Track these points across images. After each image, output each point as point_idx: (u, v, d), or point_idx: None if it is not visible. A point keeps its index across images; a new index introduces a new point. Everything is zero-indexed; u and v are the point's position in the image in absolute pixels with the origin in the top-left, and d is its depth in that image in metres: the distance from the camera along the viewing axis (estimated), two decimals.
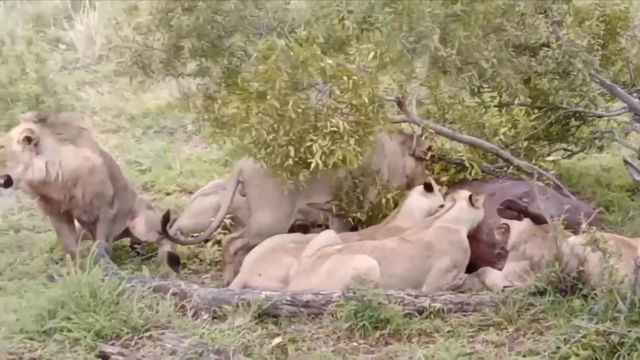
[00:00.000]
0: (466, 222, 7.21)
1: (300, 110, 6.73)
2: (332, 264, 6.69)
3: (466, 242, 7.16)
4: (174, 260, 7.59)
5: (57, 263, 7.60)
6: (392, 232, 7.23)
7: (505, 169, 7.94)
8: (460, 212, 7.21)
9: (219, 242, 7.90)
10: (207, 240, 8.00)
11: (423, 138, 7.91)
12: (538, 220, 7.04)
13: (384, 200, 7.57)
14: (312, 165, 6.73)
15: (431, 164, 8.03)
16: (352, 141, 6.81)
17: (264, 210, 7.47)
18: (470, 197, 7.22)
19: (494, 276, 7.05)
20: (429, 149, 7.80)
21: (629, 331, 5.48)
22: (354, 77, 6.84)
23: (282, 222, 7.49)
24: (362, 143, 6.92)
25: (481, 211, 7.26)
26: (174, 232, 8.12)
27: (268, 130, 6.75)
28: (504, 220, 7.14)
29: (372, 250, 6.84)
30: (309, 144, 6.77)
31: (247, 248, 7.34)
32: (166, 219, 7.46)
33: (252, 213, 7.56)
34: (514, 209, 7.10)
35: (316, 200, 7.56)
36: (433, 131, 7.77)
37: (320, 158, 6.72)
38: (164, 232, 7.54)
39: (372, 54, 6.99)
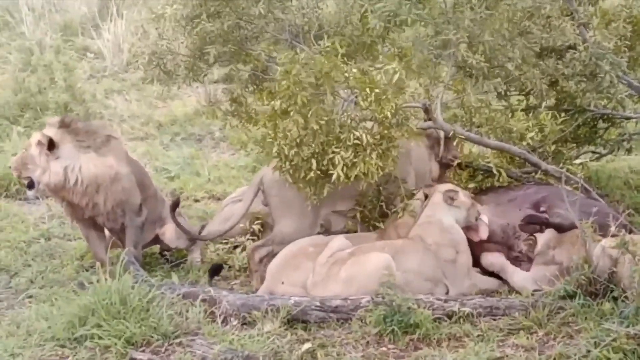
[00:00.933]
0: (445, 216, 7.17)
1: (323, 122, 6.74)
2: (349, 268, 6.69)
3: (455, 227, 7.12)
4: (216, 271, 7.58)
5: (87, 270, 7.63)
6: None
7: (533, 173, 7.90)
8: (434, 207, 7.19)
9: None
10: (235, 247, 8.03)
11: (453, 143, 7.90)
12: (560, 228, 7.03)
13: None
14: (334, 177, 6.73)
15: (457, 171, 8.02)
16: (374, 154, 6.82)
17: (287, 219, 7.44)
18: (446, 192, 7.18)
19: (523, 278, 7.03)
20: (455, 156, 7.77)
21: None
22: (377, 90, 6.84)
23: (306, 230, 7.43)
24: (384, 157, 6.92)
25: (461, 207, 7.19)
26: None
27: (291, 144, 6.76)
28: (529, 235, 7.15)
29: (382, 247, 6.84)
30: (331, 155, 6.77)
31: (272, 256, 7.32)
32: (175, 204, 7.44)
33: (275, 222, 7.55)
34: (536, 223, 7.09)
35: (340, 208, 7.53)
36: (462, 137, 7.74)
37: (342, 170, 6.72)
38: (172, 219, 7.51)
39: (396, 76, 6.95)
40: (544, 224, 7.07)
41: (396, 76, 6.92)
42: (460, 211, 7.15)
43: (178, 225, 7.55)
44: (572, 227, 6.88)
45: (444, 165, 7.97)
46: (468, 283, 6.98)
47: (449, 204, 7.10)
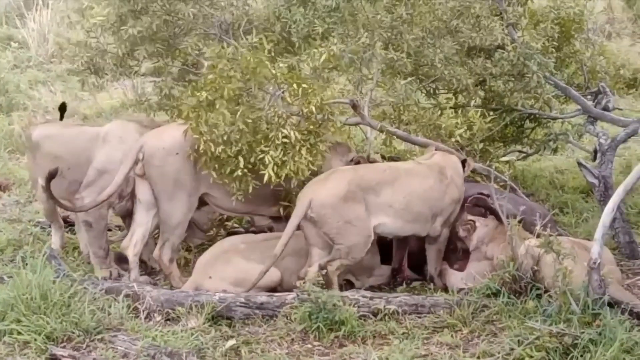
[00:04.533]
0: None
1: (250, 121, 6.68)
2: None
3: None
4: (121, 259, 7.45)
5: (6, 265, 7.46)
6: None
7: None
8: None
9: None
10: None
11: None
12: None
13: None
14: (265, 178, 6.67)
15: None
16: (303, 150, 6.78)
17: (172, 198, 7.06)
18: None
19: (453, 278, 7.06)
20: (358, 162, 7.60)
21: (582, 333, 5.54)
22: (304, 85, 6.84)
23: (192, 208, 7.17)
24: (313, 151, 6.89)
25: None
26: None
27: (216, 142, 6.68)
28: (470, 217, 7.15)
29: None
30: (260, 155, 6.72)
31: (177, 249, 7.21)
32: (52, 175, 7.01)
33: (158, 201, 7.11)
34: (482, 206, 7.12)
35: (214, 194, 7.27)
36: (390, 133, 7.73)
37: (273, 169, 6.67)
38: (47, 192, 7.06)
39: (323, 57, 7.00)
40: (490, 210, 7.09)
41: (323, 57, 6.92)
42: None
43: (54, 199, 7.15)
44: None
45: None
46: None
47: None
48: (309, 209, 6.64)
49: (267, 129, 6.76)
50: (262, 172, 6.68)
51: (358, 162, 7.38)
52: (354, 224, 6.66)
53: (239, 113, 6.63)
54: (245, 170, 6.73)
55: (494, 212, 7.09)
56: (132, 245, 7.18)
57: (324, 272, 6.56)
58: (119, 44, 8.19)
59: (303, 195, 6.75)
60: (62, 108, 8.42)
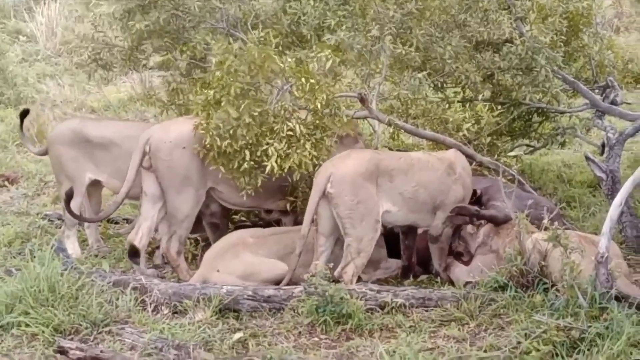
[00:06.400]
0: None
1: (255, 114, 6.68)
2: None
3: None
4: (133, 253, 7.46)
5: (15, 257, 7.48)
6: None
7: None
8: None
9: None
10: None
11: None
12: (493, 220, 7.07)
13: None
14: (268, 169, 6.68)
15: None
16: (308, 145, 6.79)
17: (180, 191, 7.11)
18: None
19: (459, 272, 7.06)
20: None
21: (589, 327, 5.51)
22: (312, 81, 6.85)
23: (199, 202, 7.20)
24: (318, 146, 6.89)
25: None
26: None
27: (223, 136, 6.68)
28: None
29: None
30: (265, 147, 6.72)
31: (184, 242, 7.24)
32: (70, 196, 7.21)
33: (166, 194, 7.15)
34: (465, 214, 7.11)
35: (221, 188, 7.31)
36: (398, 127, 7.73)
37: (276, 161, 6.67)
38: (66, 207, 7.28)
39: (329, 62, 7.00)
40: (475, 216, 7.09)
41: (329, 63, 6.94)
42: None
43: (73, 214, 7.39)
44: (507, 219, 6.92)
45: None
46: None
47: None
48: (329, 182, 6.66)
49: (274, 122, 6.77)
50: (264, 163, 6.69)
51: None
52: (366, 205, 6.67)
53: (243, 106, 6.63)
54: (252, 163, 6.73)
55: (480, 217, 7.09)
56: (139, 238, 7.20)
57: (342, 282, 6.55)
58: (126, 36, 8.20)
59: (323, 171, 6.75)
60: (24, 114, 8.51)
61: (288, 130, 6.75)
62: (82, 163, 7.71)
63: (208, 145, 6.77)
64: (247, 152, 6.73)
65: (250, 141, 6.72)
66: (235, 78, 6.69)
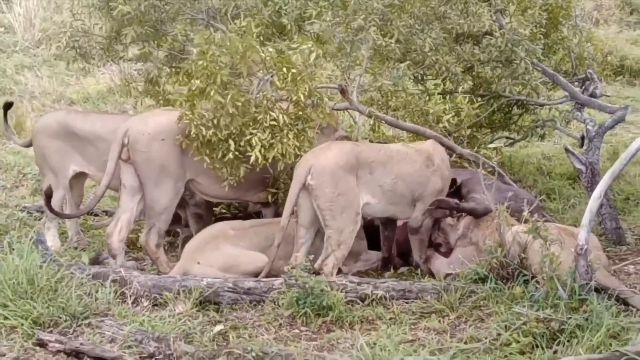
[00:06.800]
0: None
1: (239, 104, 6.66)
2: None
3: None
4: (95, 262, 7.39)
5: None
6: None
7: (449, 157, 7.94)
8: None
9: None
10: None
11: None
12: (473, 213, 7.08)
13: None
14: (252, 159, 6.66)
15: None
16: (291, 135, 6.78)
17: (158, 184, 7.03)
18: None
19: (439, 264, 7.07)
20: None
21: (569, 318, 5.55)
22: (293, 71, 6.84)
23: (178, 193, 7.14)
24: (300, 137, 6.89)
25: None
26: None
27: (207, 125, 6.66)
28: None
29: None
30: (248, 137, 6.71)
31: (163, 234, 7.20)
32: (48, 196, 7.10)
33: (144, 186, 7.07)
34: (444, 207, 7.11)
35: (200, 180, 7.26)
36: (378, 119, 7.73)
37: (260, 151, 6.66)
38: (47, 206, 7.21)
39: (313, 55, 6.99)
40: (454, 209, 7.10)
41: (313, 55, 6.93)
42: None
43: (54, 212, 7.33)
44: (486, 211, 6.94)
45: None
46: None
47: None
48: (310, 174, 6.65)
49: (256, 112, 6.75)
50: (248, 153, 6.67)
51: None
52: (347, 197, 6.67)
53: (228, 97, 6.61)
54: (237, 153, 6.71)
55: (459, 210, 7.10)
56: (117, 231, 7.16)
57: (322, 274, 6.54)
58: (105, 22, 8.14)
59: (303, 162, 6.74)
60: (7, 106, 8.48)
61: (271, 120, 6.73)
62: (67, 155, 7.68)
63: (193, 135, 6.74)
64: (232, 142, 6.71)
65: (235, 131, 6.70)
66: (219, 67, 6.67)
